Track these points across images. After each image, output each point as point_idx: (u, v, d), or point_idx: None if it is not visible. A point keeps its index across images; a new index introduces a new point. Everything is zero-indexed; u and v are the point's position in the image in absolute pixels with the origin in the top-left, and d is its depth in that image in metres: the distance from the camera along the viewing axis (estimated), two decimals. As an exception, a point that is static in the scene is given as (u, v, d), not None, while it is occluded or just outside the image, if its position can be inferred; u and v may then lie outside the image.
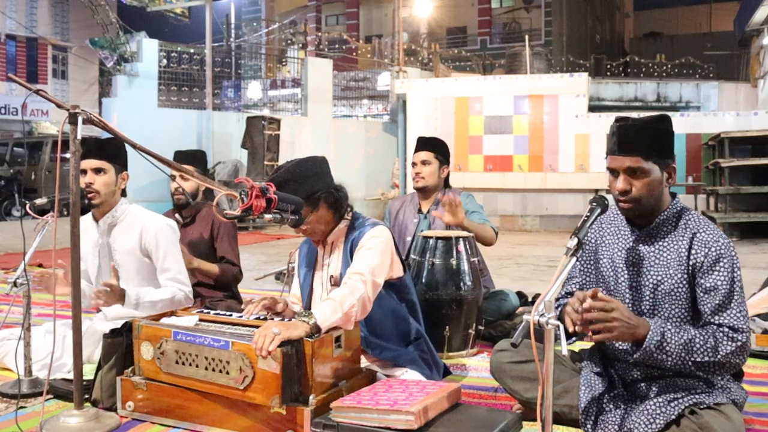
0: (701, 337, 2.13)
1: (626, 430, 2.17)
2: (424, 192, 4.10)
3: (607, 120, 11.38)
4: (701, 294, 2.20)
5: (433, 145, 4.12)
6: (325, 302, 2.49)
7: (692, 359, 2.13)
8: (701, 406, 2.14)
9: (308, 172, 2.70)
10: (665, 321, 2.21)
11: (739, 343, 2.14)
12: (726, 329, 2.15)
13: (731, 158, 10.52)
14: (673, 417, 2.13)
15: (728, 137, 10.68)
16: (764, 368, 3.35)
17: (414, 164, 4.10)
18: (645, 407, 2.19)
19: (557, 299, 2.38)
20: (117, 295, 2.92)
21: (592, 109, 13.46)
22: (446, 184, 4.14)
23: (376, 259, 2.65)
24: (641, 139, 2.22)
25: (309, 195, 2.66)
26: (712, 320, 2.18)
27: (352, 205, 2.88)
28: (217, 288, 3.96)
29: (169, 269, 3.19)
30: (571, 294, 2.48)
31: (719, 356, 2.13)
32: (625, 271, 2.33)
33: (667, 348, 2.12)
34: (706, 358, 2.13)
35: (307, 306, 2.88)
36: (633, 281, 2.31)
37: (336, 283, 2.77)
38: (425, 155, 4.07)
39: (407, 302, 2.92)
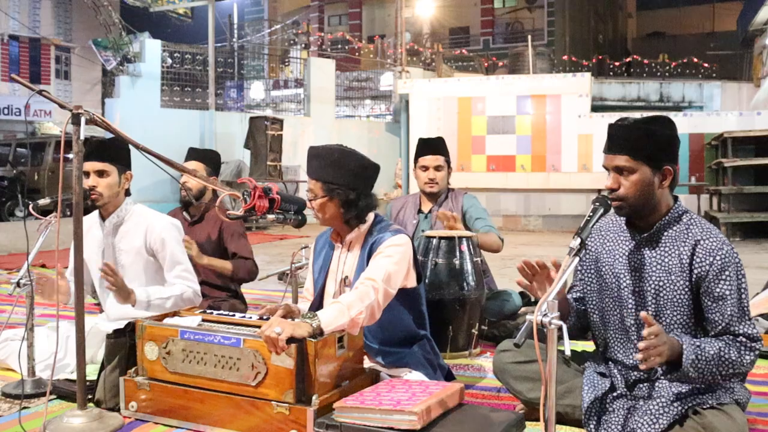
0: (725, 350, 2.14)
1: (629, 431, 2.17)
2: (432, 195, 4.05)
3: (610, 120, 11.25)
4: (709, 303, 2.20)
5: (441, 148, 4.02)
6: (332, 305, 2.48)
7: (721, 372, 2.14)
8: (704, 406, 2.14)
9: (347, 164, 2.69)
10: (684, 335, 2.21)
11: (757, 352, 2.17)
12: (743, 339, 2.16)
13: (734, 158, 10.51)
14: (677, 417, 2.13)
15: (731, 137, 10.67)
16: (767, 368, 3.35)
17: (425, 168, 3.97)
18: (648, 407, 2.19)
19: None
20: (125, 295, 2.92)
21: (595, 109, 13.46)
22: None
23: (391, 267, 2.61)
24: (629, 138, 2.24)
25: (329, 182, 2.67)
26: (727, 330, 2.18)
27: (377, 211, 2.84)
28: (221, 288, 3.96)
29: (175, 267, 3.20)
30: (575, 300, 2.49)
31: (743, 367, 2.15)
32: (627, 277, 2.32)
33: (700, 365, 2.12)
34: (731, 370, 2.14)
35: (318, 302, 2.86)
36: (636, 287, 2.31)
37: (349, 284, 2.74)
38: (438, 159, 3.97)
39: (416, 312, 2.87)
